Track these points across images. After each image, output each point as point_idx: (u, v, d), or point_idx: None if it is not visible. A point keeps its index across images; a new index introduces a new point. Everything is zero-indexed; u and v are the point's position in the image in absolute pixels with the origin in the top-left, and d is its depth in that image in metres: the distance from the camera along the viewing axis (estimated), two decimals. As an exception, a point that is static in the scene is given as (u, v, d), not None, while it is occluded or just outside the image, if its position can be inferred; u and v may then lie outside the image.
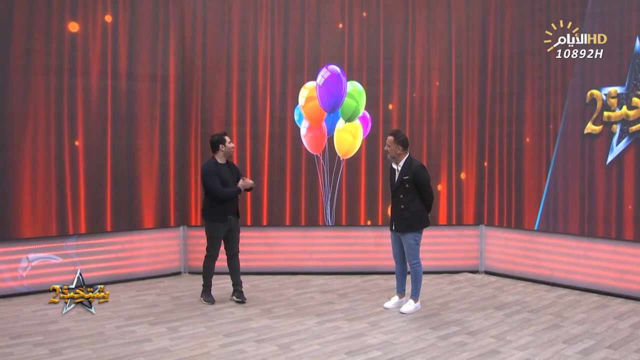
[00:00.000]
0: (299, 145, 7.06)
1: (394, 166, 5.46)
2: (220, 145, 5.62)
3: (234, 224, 5.71)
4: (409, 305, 5.42)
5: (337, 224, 7.11)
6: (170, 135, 6.91)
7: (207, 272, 5.72)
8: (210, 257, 5.69)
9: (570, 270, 6.34)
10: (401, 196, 5.38)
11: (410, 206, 5.35)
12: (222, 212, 5.60)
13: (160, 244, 6.88)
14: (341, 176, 7.10)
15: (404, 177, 5.34)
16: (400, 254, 5.55)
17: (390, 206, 5.69)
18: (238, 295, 5.76)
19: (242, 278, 6.36)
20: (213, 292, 5.87)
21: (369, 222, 7.05)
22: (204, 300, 5.71)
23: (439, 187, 7.12)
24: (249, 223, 7.02)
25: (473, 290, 6.29)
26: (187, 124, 7.03)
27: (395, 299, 5.59)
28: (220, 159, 5.65)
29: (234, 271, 5.80)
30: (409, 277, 5.57)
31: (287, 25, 7.09)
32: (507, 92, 6.92)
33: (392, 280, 6.64)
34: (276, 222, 7.08)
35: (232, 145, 5.69)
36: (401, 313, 5.36)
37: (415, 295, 5.47)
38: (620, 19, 5.99)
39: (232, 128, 7.02)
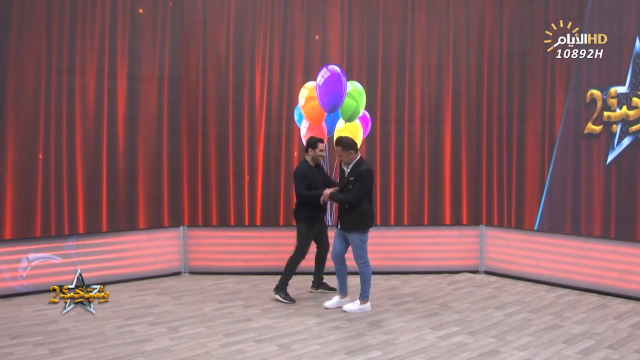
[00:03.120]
0: (300, 145, 7.06)
1: (344, 167, 5.46)
2: (310, 149, 5.76)
3: (322, 224, 5.88)
4: (354, 305, 5.41)
5: (337, 224, 7.10)
6: (172, 136, 6.91)
7: (291, 267, 5.77)
8: (301, 254, 5.76)
9: (570, 270, 6.34)
10: None
11: (355, 206, 5.33)
12: (313, 213, 5.72)
13: (160, 244, 6.88)
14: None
15: (350, 178, 5.33)
16: (339, 254, 5.50)
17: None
18: (326, 287, 6.07)
19: (243, 278, 6.37)
20: (215, 292, 5.90)
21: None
22: (283, 299, 5.72)
23: (440, 187, 7.13)
24: (246, 223, 7.03)
25: (473, 290, 6.29)
26: (189, 124, 7.03)
27: (336, 298, 5.58)
28: (310, 161, 5.77)
29: (321, 268, 6.01)
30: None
31: (286, 25, 7.09)
32: (507, 92, 6.92)
33: (392, 280, 6.65)
34: (276, 222, 7.09)
35: (321, 153, 5.76)
36: (343, 311, 5.36)
37: (363, 297, 5.43)
38: (620, 19, 5.99)
39: (229, 128, 7.03)
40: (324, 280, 6.14)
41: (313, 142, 5.78)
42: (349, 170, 5.38)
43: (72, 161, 6.28)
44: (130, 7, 6.62)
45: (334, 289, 6.03)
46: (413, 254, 7.03)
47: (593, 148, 6.17)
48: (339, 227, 5.48)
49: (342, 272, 5.55)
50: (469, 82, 7.14)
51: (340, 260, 5.51)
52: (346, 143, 5.35)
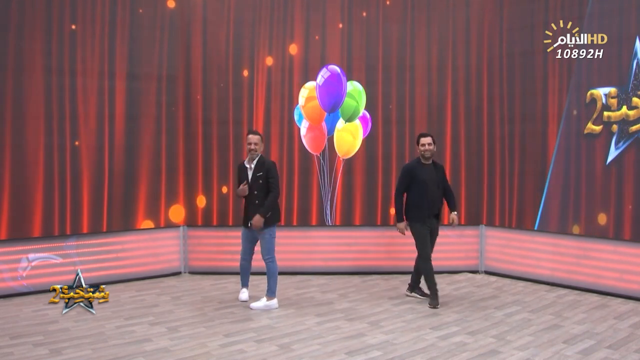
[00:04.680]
0: (300, 145, 7.07)
1: (247, 164, 5.52)
2: (416, 146, 5.71)
3: (434, 226, 5.73)
4: (260, 302, 5.46)
5: (337, 224, 7.12)
6: (172, 135, 6.91)
7: (427, 273, 5.64)
8: (422, 257, 5.67)
9: (570, 270, 6.33)
10: (255, 192, 5.45)
11: (265, 201, 5.41)
12: (420, 213, 5.61)
13: (160, 244, 6.88)
14: (341, 176, 7.10)
15: (258, 174, 5.43)
16: (250, 251, 5.63)
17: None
18: (420, 292, 5.86)
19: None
20: (215, 292, 5.90)
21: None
22: (420, 295, 5.82)
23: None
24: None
25: (473, 290, 6.29)
26: (189, 124, 7.03)
27: (245, 291, 5.72)
28: (421, 158, 5.68)
29: (421, 272, 5.79)
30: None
31: (286, 25, 7.09)
32: (507, 92, 6.92)
33: (392, 280, 6.65)
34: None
35: (422, 148, 5.62)
36: (250, 308, 5.42)
37: (270, 293, 5.47)
38: (620, 19, 5.99)
39: (229, 128, 7.03)
40: (420, 285, 5.91)
41: (417, 138, 5.75)
42: (253, 166, 5.46)
43: (73, 161, 6.27)
44: (130, 7, 6.62)
45: (428, 295, 5.74)
46: (413, 254, 7.00)
47: (593, 148, 6.17)
48: (247, 225, 5.52)
49: (248, 269, 5.68)
50: (469, 82, 7.14)
51: (250, 257, 5.64)
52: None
